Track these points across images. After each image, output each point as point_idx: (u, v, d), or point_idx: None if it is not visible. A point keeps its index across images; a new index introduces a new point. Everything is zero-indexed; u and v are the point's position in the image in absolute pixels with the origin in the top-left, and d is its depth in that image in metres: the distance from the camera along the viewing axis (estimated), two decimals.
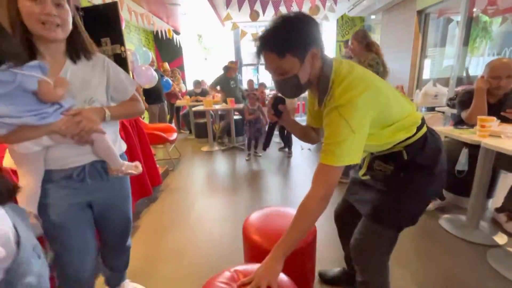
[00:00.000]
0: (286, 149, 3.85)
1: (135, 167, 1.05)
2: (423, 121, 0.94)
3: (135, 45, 5.33)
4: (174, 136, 3.41)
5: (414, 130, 0.90)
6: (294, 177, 2.97)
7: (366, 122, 0.80)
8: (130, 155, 2.28)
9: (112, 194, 1.07)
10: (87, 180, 0.95)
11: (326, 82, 0.84)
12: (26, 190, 0.85)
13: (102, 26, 2.96)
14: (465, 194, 2.07)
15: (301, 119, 6.66)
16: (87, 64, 0.91)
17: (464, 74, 3.65)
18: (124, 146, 1.10)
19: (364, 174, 1.06)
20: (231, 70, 4.52)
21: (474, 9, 3.46)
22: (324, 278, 1.44)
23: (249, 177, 3.03)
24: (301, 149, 4.00)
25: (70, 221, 0.95)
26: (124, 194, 1.14)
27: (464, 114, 1.87)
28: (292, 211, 1.29)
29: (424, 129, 0.94)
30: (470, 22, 3.55)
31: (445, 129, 1.87)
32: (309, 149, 4.01)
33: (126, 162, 1.03)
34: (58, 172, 0.90)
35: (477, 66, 3.66)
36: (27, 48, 0.77)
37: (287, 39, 0.78)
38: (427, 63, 4.28)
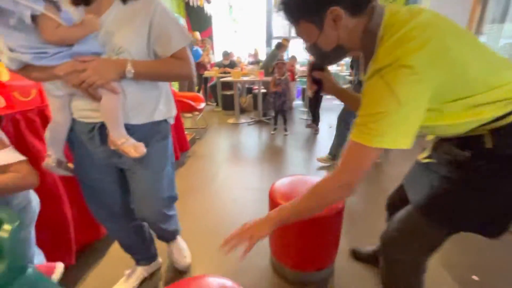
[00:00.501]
0: (313, 127, 3.73)
1: (134, 148, 0.82)
2: None
3: None
4: (202, 105, 3.43)
5: (510, 108, 0.61)
6: (319, 154, 2.90)
7: (423, 92, 0.57)
8: None
9: (135, 167, 0.92)
10: (95, 141, 0.84)
11: (371, 43, 0.64)
12: (51, 132, 0.86)
13: None
14: None
15: (330, 98, 6.39)
16: (133, 5, 0.78)
17: None
18: (171, 113, 0.97)
19: (426, 157, 0.82)
20: (283, 47, 4.41)
21: None
22: (356, 256, 1.36)
23: (273, 150, 3.00)
24: (329, 127, 3.86)
25: (94, 179, 0.95)
26: (151, 170, 0.95)
27: None
28: (316, 178, 1.25)
29: None
30: None
31: None
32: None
33: (130, 139, 0.82)
34: (79, 124, 0.85)
35: None
36: None
37: (296, 2, 0.66)
38: (482, 40, 3.79)
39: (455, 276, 1.25)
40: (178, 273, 1.30)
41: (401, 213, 0.81)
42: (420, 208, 0.76)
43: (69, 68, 0.69)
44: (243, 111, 4.86)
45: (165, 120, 0.96)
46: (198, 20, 6.34)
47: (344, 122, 2.49)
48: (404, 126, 0.59)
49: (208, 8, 6.05)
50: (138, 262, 1.23)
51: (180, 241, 1.38)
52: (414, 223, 0.77)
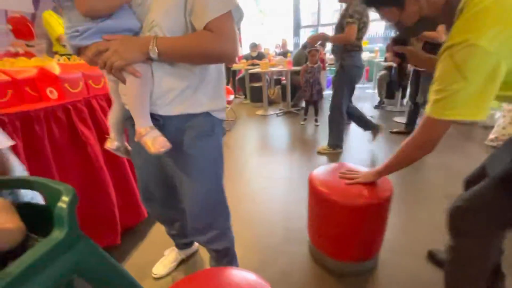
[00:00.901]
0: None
1: (152, 142, 0.68)
2: None
3: None
4: (231, 97, 3.48)
5: None
6: (351, 144, 2.78)
7: (493, 69, 0.58)
8: None
9: (176, 169, 0.82)
10: (130, 133, 0.80)
11: (451, 15, 0.64)
12: (110, 116, 0.86)
13: None
14: None
15: (363, 86, 6.08)
16: None
17: None
18: (218, 104, 0.80)
19: None
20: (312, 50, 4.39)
21: None
22: (434, 259, 1.20)
23: (303, 140, 2.95)
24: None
25: (139, 167, 0.93)
26: (194, 168, 0.81)
27: None
28: (357, 166, 1.21)
29: None
30: None
31: None
32: (372, 116, 3.65)
33: (152, 131, 0.70)
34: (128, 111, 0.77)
35: None
36: None
37: None
38: None
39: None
40: None
41: (475, 187, 0.78)
42: (497, 178, 0.74)
43: (93, 49, 0.63)
44: (271, 102, 4.83)
45: (208, 113, 0.78)
46: None
47: (339, 111, 2.38)
48: (473, 100, 0.62)
49: None
50: (177, 245, 1.27)
51: None
52: (488, 193, 0.74)
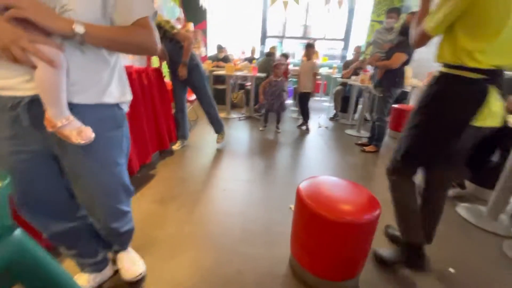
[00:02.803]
0: (304, 127, 3.77)
1: (78, 133, 0.66)
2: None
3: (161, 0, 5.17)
4: (193, 97, 3.39)
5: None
6: (308, 151, 2.94)
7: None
8: (152, 106, 2.29)
9: (80, 157, 0.75)
10: (22, 121, 0.66)
11: None
12: None
13: None
14: (487, 186, 2.00)
15: (320, 99, 6.49)
16: None
17: None
18: (125, 97, 0.82)
19: None
20: (273, 55, 4.73)
21: None
22: (388, 233, 1.44)
23: (263, 145, 3.02)
24: (318, 127, 3.92)
25: (16, 171, 0.73)
26: (101, 162, 0.79)
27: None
28: (344, 181, 1.25)
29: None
30: None
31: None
32: (327, 127, 3.93)
33: (73, 121, 0.67)
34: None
35: None
36: None
37: None
38: None
39: (434, 269, 1.31)
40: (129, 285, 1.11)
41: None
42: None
43: None
44: (234, 106, 4.85)
45: (118, 105, 0.80)
46: (193, 12, 6.25)
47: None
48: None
49: (203, 2, 5.98)
50: (83, 268, 1.03)
51: (130, 249, 1.17)
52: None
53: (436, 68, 1.10)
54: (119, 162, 0.85)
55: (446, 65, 1.01)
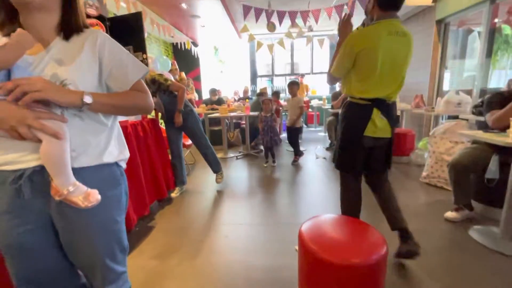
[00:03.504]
0: (296, 162, 3.77)
1: (85, 197, 0.69)
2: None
3: (155, 55, 5.54)
4: (189, 141, 3.45)
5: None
6: (309, 185, 2.90)
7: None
8: (148, 156, 2.31)
9: (77, 218, 0.73)
10: (24, 192, 0.67)
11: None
12: None
13: (126, 35, 3.12)
14: (496, 205, 1.94)
15: (315, 130, 6.60)
16: (77, 41, 0.70)
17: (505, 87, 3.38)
18: (123, 155, 0.83)
19: None
20: (264, 94, 4.92)
21: (496, 20, 3.37)
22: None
23: (263, 183, 2.98)
24: (316, 158, 3.92)
25: (18, 250, 0.72)
26: (94, 227, 0.76)
27: (489, 117, 1.77)
28: (347, 219, 1.21)
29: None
30: (493, 33, 3.46)
31: (474, 133, 1.78)
32: (325, 158, 3.93)
33: (79, 186, 0.68)
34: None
35: (499, 79, 3.53)
36: (8, 18, 0.66)
37: None
38: (446, 75, 4.17)
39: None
40: None
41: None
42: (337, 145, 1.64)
43: (10, 84, 0.57)
44: (231, 145, 4.91)
45: (117, 163, 0.81)
46: (186, 61, 6.67)
47: None
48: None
49: (195, 50, 6.41)
50: None
51: None
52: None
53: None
54: (118, 219, 0.83)
55: (349, 96, 1.52)
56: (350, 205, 1.64)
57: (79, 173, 0.70)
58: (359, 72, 1.41)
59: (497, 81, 3.51)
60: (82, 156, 0.71)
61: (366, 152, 1.51)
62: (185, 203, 2.53)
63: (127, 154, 0.86)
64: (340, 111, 1.61)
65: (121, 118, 2.23)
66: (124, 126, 1.95)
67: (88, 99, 0.65)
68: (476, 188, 1.93)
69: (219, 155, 4.23)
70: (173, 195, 2.65)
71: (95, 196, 0.70)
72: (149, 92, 0.82)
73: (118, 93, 0.75)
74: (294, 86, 3.77)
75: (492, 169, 1.84)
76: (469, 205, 1.96)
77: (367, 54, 1.35)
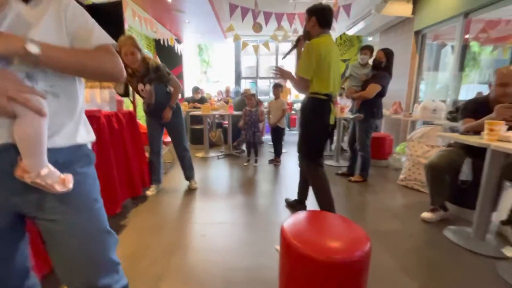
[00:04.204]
0: (274, 162, 3.76)
1: (61, 182, 0.64)
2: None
3: None
4: (168, 139, 3.31)
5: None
6: (290, 185, 2.87)
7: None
8: (123, 151, 2.17)
9: (56, 209, 0.67)
10: None
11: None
12: None
13: (105, 26, 2.95)
14: (468, 206, 2.01)
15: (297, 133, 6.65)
16: (37, 2, 0.62)
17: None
18: (91, 137, 0.77)
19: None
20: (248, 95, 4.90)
21: (467, 36, 3.58)
22: (288, 202, 2.29)
23: (243, 183, 2.92)
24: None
25: None
26: (79, 200, 0.70)
27: (462, 124, 1.85)
28: (330, 215, 1.17)
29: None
30: (465, 48, 3.67)
31: (451, 135, 1.84)
32: None
33: (52, 169, 0.63)
34: None
35: (467, 92, 3.76)
36: None
37: None
38: (421, 86, 4.37)
39: None
40: None
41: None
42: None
43: None
44: (212, 145, 4.80)
45: (86, 145, 0.76)
46: (168, 58, 6.49)
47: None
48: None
49: (178, 47, 6.26)
50: None
51: None
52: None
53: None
54: (98, 199, 0.77)
55: (311, 93, 1.80)
56: (326, 194, 1.86)
57: (53, 154, 0.64)
58: (321, 73, 1.74)
59: (465, 95, 3.73)
60: (56, 136, 0.65)
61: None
62: (161, 201, 2.40)
63: (93, 137, 0.79)
64: (302, 105, 1.91)
65: (95, 105, 2.07)
66: (97, 117, 1.81)
67: (33, 48, 0.54)
68: (450, 190, 1.99)
69: (199, 154, 4.12)
70: (148, 193, 2.51)
71: (70, 179, 0.66)
72: (119, 58, 0.72)
73: (79, 49, 0.66)
74: (278, 89, 3.78)
75: (466, 171, 1.91)
76: (444, 206, 2.02)
77: (324, 57, 1.70)
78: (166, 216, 2.09)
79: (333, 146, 4.26)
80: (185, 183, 2.85)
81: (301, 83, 1.80)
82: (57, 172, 0.63)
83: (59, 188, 0.63)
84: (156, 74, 2.24)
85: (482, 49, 4.53)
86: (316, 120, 1.84)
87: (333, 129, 1.96)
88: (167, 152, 3.87)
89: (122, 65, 0.73)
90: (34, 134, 0.58)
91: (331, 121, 1.86)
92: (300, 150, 1.96)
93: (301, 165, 2.03)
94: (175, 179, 3.04)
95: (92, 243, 0.73)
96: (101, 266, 0.75)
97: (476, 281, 1.37)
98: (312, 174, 1.91)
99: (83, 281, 0.73)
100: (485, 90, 2.28)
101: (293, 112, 6.87)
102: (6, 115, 0.55)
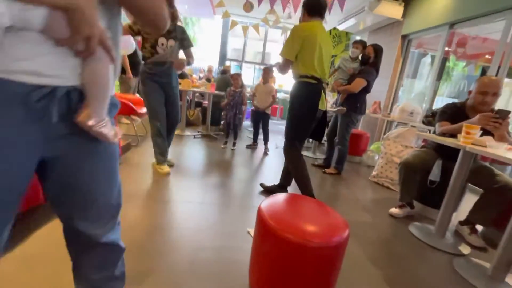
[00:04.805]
0: (255, 145, 3.71)
1: (115, 134, 0.62)
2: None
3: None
4: (143, 109, 3.09)
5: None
6: (267, 172, 2.84)
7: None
8: None
9: (84, 156, 0.61)
10: (52, 113, 0.51)
11: None
12: None
13: None
14: (433, 205, 2.12)
15: (278, 122, 6.64)
16: None
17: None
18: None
19: None
20: (228, 71, 4.84)
21: (446, 48, 3.71)
22: (264, 187, 2.25)
23: (218, 165, 2.82)
24: (275, 147, 3.90)
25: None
26: (107, 165, 0.67)
27: (438, 127, 1.91)
28: (309, 200, 1.14)
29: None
30: (444, 60, 3.83)
31: (429, 135, 1.89)
32: None
33: (108, 120, 0.60)
34: (7, 84, 0.46)
35: (437, 104, 3.97)
36: None
37: None
38: (400, 90, 4.52)
39: None
40: None
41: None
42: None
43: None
44: (189, 124, 4.60)
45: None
46: None
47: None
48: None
49: None
50: None
51: None
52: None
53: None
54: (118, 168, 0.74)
55: (299, 76, 1.82)
56: (305, 178, 1.89)
57: None
58: (305, 55, 1.75)
59: (437, 105, 3.94)
60: None
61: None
62: (127, 174, 2.24)
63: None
64: (292, 88, 1.90)
65: None
66: None
67: None
68: (419, 189, 2.07)
69: (176, 132, 3.92)
70: (163, 171, 2.31)
71: (120, 134, 0.65)
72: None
73: None
74: (269, 72, 3.61)
75: (435, 172, 1.99)
76: (411, 204, 2.11)
77: (310, 40, 1.72)
78: (130, 193, 1.94)
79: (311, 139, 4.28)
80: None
81: (284, 64, 1.83)
82: (110, 124, 0.61)
83: (111, 139, 0.61)
84: (182, 35, 2.22)
85: (456, 64, 4.80)
86: (302, 103, 1.82)
87: (325, 116, 1.93)
88: (139, 124, 3.64)
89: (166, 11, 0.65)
90: (107, 80, 0.57)
91: (321, 107, 1.83)
92: (285, 132, 1.95)
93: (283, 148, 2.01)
94: (146, 153, 2.85)
95: (110, 199, 0.69)
96: (109, 222, 0.71)
97: (435, 274, 1.44)
98: (290, 157, 1.94)
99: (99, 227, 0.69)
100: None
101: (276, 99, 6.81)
102: (85, 57, 0.51)
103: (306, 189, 1.88)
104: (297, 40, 1.73)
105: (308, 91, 1.81)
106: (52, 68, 0.49)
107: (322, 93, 1.82)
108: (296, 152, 1.92)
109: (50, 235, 1.30)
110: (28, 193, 1.24)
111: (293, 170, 1.94)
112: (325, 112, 1.93)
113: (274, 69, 2.01)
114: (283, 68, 1.86)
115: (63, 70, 0.51)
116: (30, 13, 0.43)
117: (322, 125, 1.97)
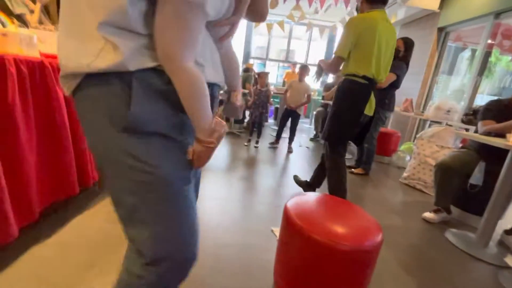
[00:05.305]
0: (277, 143, 3.64)
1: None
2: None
3: None
4: None
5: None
6: (291, 170, 2.79)
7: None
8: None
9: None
10: (189, 135, 0.57)
11: None
12: None
13: None
14: (473, 212, 1.94)
15: (301, 121, 6.51)
16: None
17: None
18: None
19: None
20: (250, 70, 4.77)
21: (489, 41, 3.37)
22: (297, 179, 2.13)
23: (242, 162, 2.82)
24: (299, 146, 3.83)
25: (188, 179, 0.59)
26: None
27: (481, 126, 1.75)
28: (338, 200, 1.09)
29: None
30: (488, 54, 3.47)
31: (472, 134, 1.74)
32: (308, 147, 3.85)
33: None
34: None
35: (480, 101, 3.61)
36: None
37: None
38: (435, 88, 4.21)
39: None
40: None
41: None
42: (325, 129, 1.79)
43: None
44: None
45: None
46: None
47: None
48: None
49: None
50: None
51: None
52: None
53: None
54: None
55: (347, 74, 1.62)
56: (342, 184, 1.71)
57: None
58: (359, 52, 1.55)
59: (477, 103, 3.58)
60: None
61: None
62: None
63: None
64: (337, 87, 1.72)
65: None
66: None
67: None
68: (457, 193, 1.91)
69: None
70: None
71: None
72: None
73: None
74: (306, 70, 3.50)
75: (477, 175, 1.82)
76: (448, 209, 1.95)
77: (367, 35, 1.51)
78: None
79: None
80: None
81: (335, 62, 1.64)
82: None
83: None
84: None
85: (499, 59, 4.35)
86: (346, 105, 1.63)
87: (370, 122, 1.74)
88: None
89: None
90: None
91: (367, 111, 1.64)
92: (324, 134, 1.77)
93: (324, 150, 1.83)
94: None
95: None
96: None
97: (476, 285, 1.31)
98: (330, 161, 1.74)
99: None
100: None
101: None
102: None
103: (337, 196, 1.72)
104: (351, 36, 1.53)
105: (355, 92, 1.61)
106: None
107: (372, 96, 1.63)
108: (340, 158, 1.72)
109: (83, 225, 1.37)
110: (65, 185, 1.32)
111: (331, 178, 1.74)
112: (372, 117, 1.73)
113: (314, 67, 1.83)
114: (332, 66, 1.68)
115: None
116: None
117: (365, 131, 1.78)
